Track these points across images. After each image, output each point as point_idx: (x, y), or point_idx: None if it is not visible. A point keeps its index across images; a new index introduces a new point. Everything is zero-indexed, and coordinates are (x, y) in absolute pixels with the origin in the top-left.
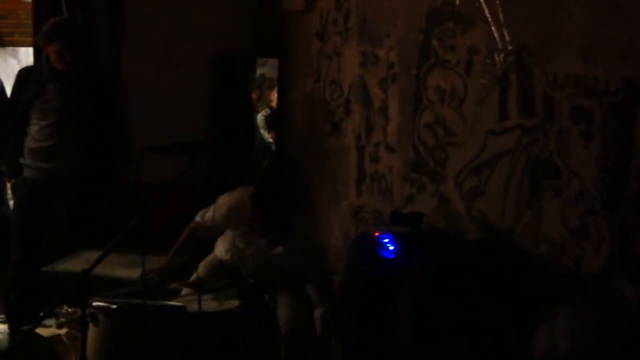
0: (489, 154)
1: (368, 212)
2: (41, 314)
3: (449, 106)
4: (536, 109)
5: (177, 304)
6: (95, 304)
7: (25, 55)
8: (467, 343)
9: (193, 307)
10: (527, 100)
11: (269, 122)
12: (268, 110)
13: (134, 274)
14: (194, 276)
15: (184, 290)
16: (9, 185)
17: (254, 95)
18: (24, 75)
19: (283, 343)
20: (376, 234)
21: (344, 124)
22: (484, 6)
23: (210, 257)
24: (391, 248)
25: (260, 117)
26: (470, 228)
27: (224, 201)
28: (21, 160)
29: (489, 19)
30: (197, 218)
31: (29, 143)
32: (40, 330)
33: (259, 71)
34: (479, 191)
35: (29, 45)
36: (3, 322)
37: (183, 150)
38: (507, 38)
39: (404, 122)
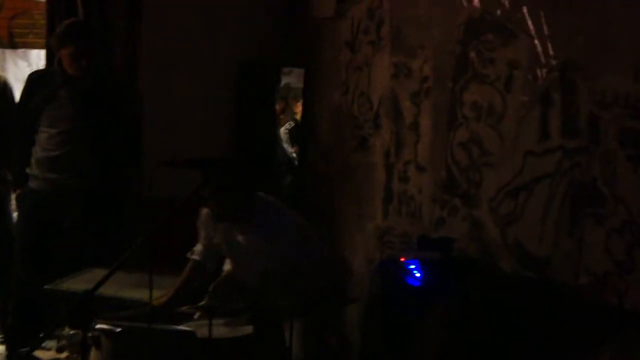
0: (528, 177)
1: (395, 235)
2: (41, 335)
3: (486, 124)
4: (580, 129)
5: (186, 328)
6: (98, 326)
7: (37, 58)
8: None
9: (203, 332)
10: (571, 120)
11: (293, 135)
12: (292, 123)
13: (141, 295)
14: (205, 299)
15: (196, 314)
16: (13, 195)
17: (277, 107)
18: (34, 79)
19: None
20: (402, 260)
21: (373, 139)
22: (527, 17)
23: (221, 278)
24: (418, 275)
25: (283, 131)
26: (504, 256)
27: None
28: (27, 170)
29: (532, 31)
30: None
31: (37, 152)
32: (40, 353)
33: (284, 81)
34: (515, 216)
35: (42, 48)
36: (1, 343)
37: (198, 165)
38: (551, 52)
39: (436, 140)
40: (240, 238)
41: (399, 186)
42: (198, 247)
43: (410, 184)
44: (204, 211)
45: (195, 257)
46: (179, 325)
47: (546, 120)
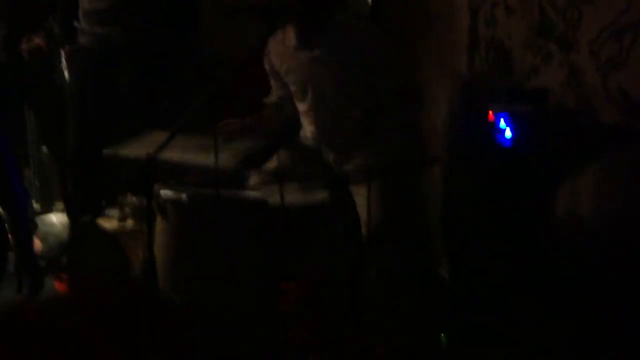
0: (635, 15)
1: (482, 87)
2: (103, 203)
3: None
4: None
5: (256, 194)
6: (163, 193)
7: None
8: None
9: (275, 198)
10: None
11: None
12: None
13: (207, 159)
14: (274, 161)
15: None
16: (62, 52)
17: None
18: None
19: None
20: (490, 114)
21: None
22: None
23: (291, 142)
24: (508, 132)
25: None
26: (607, 107)
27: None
28: (76, 24)
29: None
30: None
31: (84, 3)
32: (103, 222)
33: None
34: (619, 61)
35: None
36: (62, 211)
37: (261, 12)
38: None
39: None
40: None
41: (485, 31)
42: (272, 94)
43: (498, 28)
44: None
45: (272, 98)
46: (249, 191)
47: None
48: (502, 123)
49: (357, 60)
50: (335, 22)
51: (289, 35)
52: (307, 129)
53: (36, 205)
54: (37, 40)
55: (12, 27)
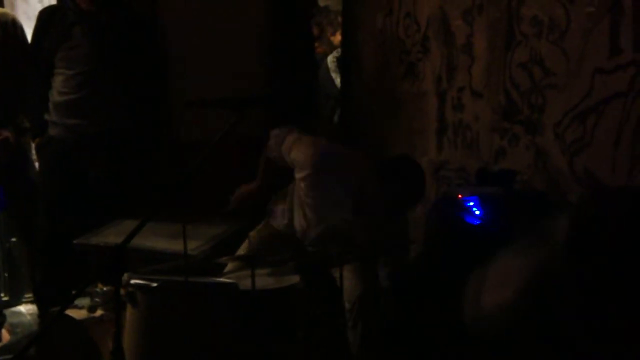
0: (597, 98)
1: (451, 169)
2: (73, 292)
3: (548, 40)
4: None
5: (227, 280)
6: (133, 281)
7: None
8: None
9: (246, 284)
10: None
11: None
12: (340, 51)
13: (176, 246)
14: (244, 246)
15: (228, 267)
16: (33, 144)
17: (315, 32)
18: (45, 17)
19: (348, 320)
20: (460, 196)
21: (421, 65)
22: None
23: (262, 226)
24: (477, 212)
25: (331, 60)
26: (573, 187)
27: (308, 141)
28: (46, 117)
29: None
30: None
31: (54, 96)
32: (72, 312)
33: (321, 3)
34: (584, 143)
35: None
36: (32, 302)
37: (230, 104)
38: None
39: (492, 62)
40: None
41: (453, 115)
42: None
43: (465, 112)
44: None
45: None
46: (218, 277)
47: (616, 33)
48: (472, 204)
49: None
50: None
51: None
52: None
53: (5, 298)
54: (5, 134)
55: None
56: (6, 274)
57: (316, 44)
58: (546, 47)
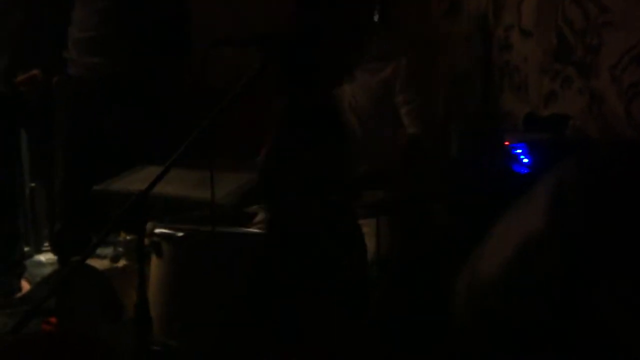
0: None
1: (498, 114)
2: (94, 242)
3: None
4: None
5: (256, 230)
6: (157, 231)
7: None
8: None
9: None
10: None
11: None
12: None
13: (203, 194)
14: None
15: (258, 217)
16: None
17: None
18: None
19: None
20: (506, 143)
21: (466, 1)
22: None
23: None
24: (525, 161)
25: None
26: (629, 134)
27: None
28: (65, 54)
29: None
30: None
31: (74, 32)
32: (94, 262)
33: None
34: None
35: None
36: (49, 251)
37: (256, 42)
38: None
39: None
40: None
41: (499, 57)
42: None
43: (513, 53)
44: None
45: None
46: (246, 227)
47: None
48: (519, 152)
49: None
50: None
51: None
52: None
53: (26, 248)
54: (34, 72)
55: (13, 59)
56: (28, 222)
57: None
58: None
